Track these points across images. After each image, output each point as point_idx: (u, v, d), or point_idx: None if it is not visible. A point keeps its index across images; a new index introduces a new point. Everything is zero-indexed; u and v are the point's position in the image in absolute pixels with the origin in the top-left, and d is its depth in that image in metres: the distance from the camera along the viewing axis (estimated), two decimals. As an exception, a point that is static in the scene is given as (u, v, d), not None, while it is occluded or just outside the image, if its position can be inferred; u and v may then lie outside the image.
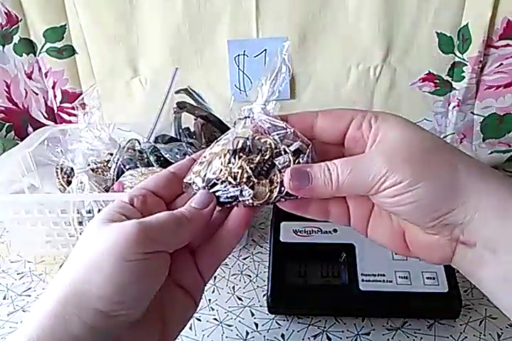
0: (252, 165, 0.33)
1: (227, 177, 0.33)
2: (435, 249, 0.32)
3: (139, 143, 0.67)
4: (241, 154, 0.33)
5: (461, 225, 0.29)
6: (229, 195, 0.34)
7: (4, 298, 0.58)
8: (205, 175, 0.34)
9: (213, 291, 0.58)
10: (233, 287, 0.58)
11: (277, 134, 0.33)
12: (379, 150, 0.31)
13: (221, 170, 0.33)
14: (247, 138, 0.33)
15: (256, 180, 0.33)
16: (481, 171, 0.30)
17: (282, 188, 0.33)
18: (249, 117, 0.34)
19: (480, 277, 0.31)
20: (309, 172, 0.32)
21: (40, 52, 0.81)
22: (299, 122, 0.34)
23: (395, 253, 0.32)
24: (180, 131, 0.67)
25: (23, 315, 0.56)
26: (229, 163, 0.33)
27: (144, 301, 0.30)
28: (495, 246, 0.29)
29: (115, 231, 0.30)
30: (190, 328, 0.53)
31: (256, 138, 0.34)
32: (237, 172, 0.33)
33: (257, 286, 0.58)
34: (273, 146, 0.33)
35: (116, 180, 0.62)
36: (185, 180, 0.35)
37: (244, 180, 0.33)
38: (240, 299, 0.57)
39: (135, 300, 0.30)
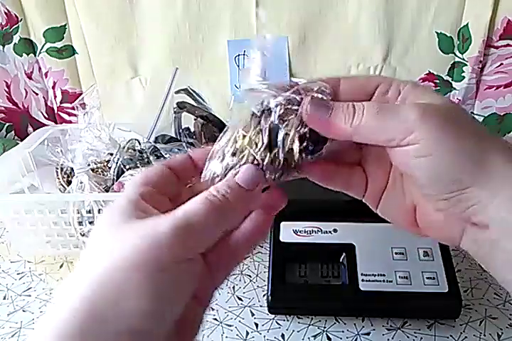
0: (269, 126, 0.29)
1: (248, 150, 0.29)
2: (444, 228, 0.31)
3: (139, 143, 0.67)
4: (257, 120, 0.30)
5: (475, 206, 0.27)
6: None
7: (4, 298, 0.58)
8: (223, 160, 0.30)
9: (213, 291, 0.58)
10: (233, 287, 0.58)
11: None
12: (411, 103, 0.29)
13: (241, 143, 0.30)
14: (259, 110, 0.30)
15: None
16: (510, 153, 0.28)
17: (304, 146, 0.30)
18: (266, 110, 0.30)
19: (489, 261, 0.30)
20: (330, 104, 0.29)
21: (40, 52, 0.81)
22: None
23: (404, 229, 0.31)
24: (180, 131, 0.67)
25: (23, 315, 0.56)
26: (246, 133, 0.30)
27: (178, 312, 0.26)
28: (508, 233, 0.27)
29: (142, 234, 0.25)
30: (190, 328, 0.53)
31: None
32: (258, 139, 0.29)
33: (257, 286, 0.58)
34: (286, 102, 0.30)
35: (116, 180, 0.62)
36: (202, 180, 0.31)
37: (263, 144, 0.29)
38: (240, 299, 0.57)
39: (169, 312, 0.25)
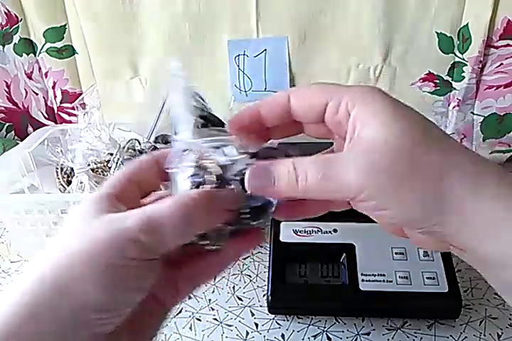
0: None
1: None
2: (431, 245, 0.31)
3: (139, 143, 0.67)
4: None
5: (448, 237, 0.27)
6: None
7: (4, 298, 0.58)
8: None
9: (213, 291, 0.58)
10: (233, 287, 0.58)
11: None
12: (355, 153, 0.27)
13: None
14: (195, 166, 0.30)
15: None
16: (475, 179, 0.26)
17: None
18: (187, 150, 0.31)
19: (481, 271, 0.29)
20: (272, 172, 0.28)
21: (40, 52, 0.81)
22: (272, 108, 0.31)
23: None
24: (181, 131, 0.67)
25: (23, 315, 0.56)
26: None
27: (127, 309, 0.26)
28: (486, 259, 0.27)
29: (108, 227, 0.26)
30: (190, 328, 0.53)
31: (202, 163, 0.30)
32: None
33: (257, 286, 0.58)
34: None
35: (116, 180, 0.61)
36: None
37: None
38: (240, 299, 0.57)
39: (121, 307, 0.26)
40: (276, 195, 0.29)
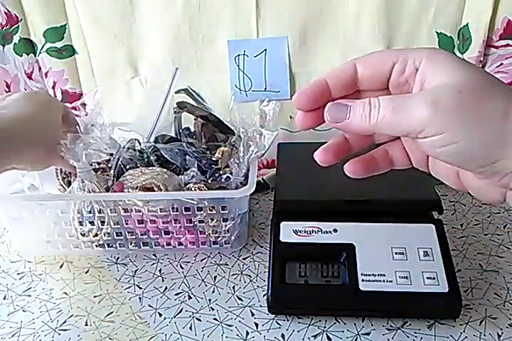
0: None
1: None
2: (487, 192, 0.32)
3: (139, 143, 0.67)
4: None
5: (510, 175, 0.29)
6: None
7: (4, 298, 0.58)
8: None
9: (213, 291, 0.58)
10: (233, 287, 0.58)
11: None
12: (425, 93, 0.29)
13: None
14: None
15: None
16: None
17: None
18: None
19: None
20: (348, 106, 0.30)
21: (40, 52, 0.81)
22: (338, 78, 0.33)
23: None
24: (180, 131, 0.67)
25: (23, 315, 0.56)
26: None
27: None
28: None
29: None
30: (190, 328, 0.53)
31: None
32: None
33: (257, 286, 0.58)
34: None
35: (117, 180, 0.62)
36: None
37: None
38: (240, 299, 0.57)
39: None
40: (350, 128, 0.31)
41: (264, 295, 0.56)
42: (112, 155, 0.64)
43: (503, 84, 0.29)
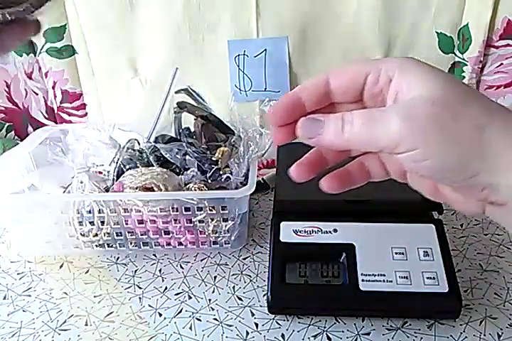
0: None
1: None
2: (466, 204, 0.31)
3: (139, 143, 0.67)
4: None
5: (487, 189, 0.28)
6: None
7: (4, 298, 0.58)
8: None
9: (213, 291, 0.58)
10: (233, 287, 0.58)
11: None
12: (398, 107, 0.28)
13: None
14: None
15: None
16: (510, 137, 0.27)
17: None
18: None
19: None
20: (321, 122, 0.30)
21: (40, 52, 0.81)
22: (312, 92, 0.32)
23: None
24: (180, 131, 0.67)
25: (23, 315, 0.56)
26: None
27: None
28: None
29: None
30: (190, 328, 0.53)
31: None
32: None
33: (257, 286, 0.58)
34: None
35: (116, 180, 0.62)
36: None
37: None
38: (240, 299, 0.57)
39: None
40: (323, 143, 0.30)
41: (264, 295, 0.56)
42: (112, 155, 0.64)
43: (479, 95, 0.29)
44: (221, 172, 0.62)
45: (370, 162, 0.35)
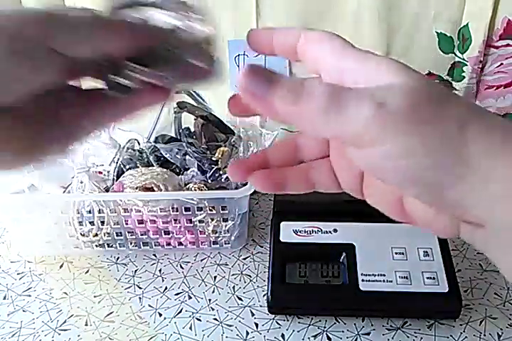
0: None
1: None
2: (437, 222, 0.26)
3: (139, 143, 0.67)
4: None
5: (463, 207, 0.23)
6: None
7: (4, 298, 0.58)
8: None
9: (213, 291, 0.58)
10: (233, 287, 0.58)
11: None
12: (372, 90, 0.22)
13: None
14: None
15: None
16: (495, 132, 0.22)
17: None
18: None
19: (496, 256, 0.24)
20: (275, 76, 0.23)
21: (40, 52, 0.81)
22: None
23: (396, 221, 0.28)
24: (180, 131, 0.67)
25: (23, 315, 0.56)
26: None
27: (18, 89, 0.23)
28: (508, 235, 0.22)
29: None
30: (190, 328, 0.53)
31: None
32: None
33: (257, 286, 0.58)
34: None
35: (116, 180, 0.62)
36: None
37: None
38: (240, 299, 0.57)
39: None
40: (268, 108, 0.23)
41: (264, 295, 0.56)
42: (112, 155, 0.64)
43: (458, 95, 0.25)
44: (221, 172, 0.62)
45: (319, 168, 0.29)
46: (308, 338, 0.51)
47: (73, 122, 0.26)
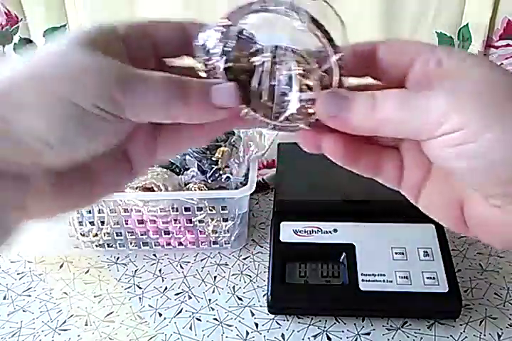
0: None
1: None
2: (498, 228, 0.25)
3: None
4: None
5: None
6: None
7: (4, 298, 0.58)
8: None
9: (213, 291, 0.58)
10: (233, 287, 0.58)
11: None
12: (446, 86, 0.23)
13: None
14: None
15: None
16: None
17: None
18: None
19: None
20: (348, 97, 0.24)
21: (40, 52, 0.81)
22: (357, 57, 0.29)
23: (450, 230, 0.28)
24: (181, 131, 0.67)
25: (23, 315, 0.56)
26: None
27: (77, 154, 0.24)
28: None
29: (88, 62, 0.22)
30: (190, 328, 0.53)
31: None
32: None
33: (257, 286, 0.58)
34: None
35: (116, 180, 0.61)
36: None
37: None
38: (240, 299, 0.57)
39: (68, 148, 0.23)
40: (348, 125, 0.25)
41: (264, 295, 0.56)
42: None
43: None
44: (221, 172, 0.62)
45: (389, 156, 0.28)
46: (308, 338, 0.51)
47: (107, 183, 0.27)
